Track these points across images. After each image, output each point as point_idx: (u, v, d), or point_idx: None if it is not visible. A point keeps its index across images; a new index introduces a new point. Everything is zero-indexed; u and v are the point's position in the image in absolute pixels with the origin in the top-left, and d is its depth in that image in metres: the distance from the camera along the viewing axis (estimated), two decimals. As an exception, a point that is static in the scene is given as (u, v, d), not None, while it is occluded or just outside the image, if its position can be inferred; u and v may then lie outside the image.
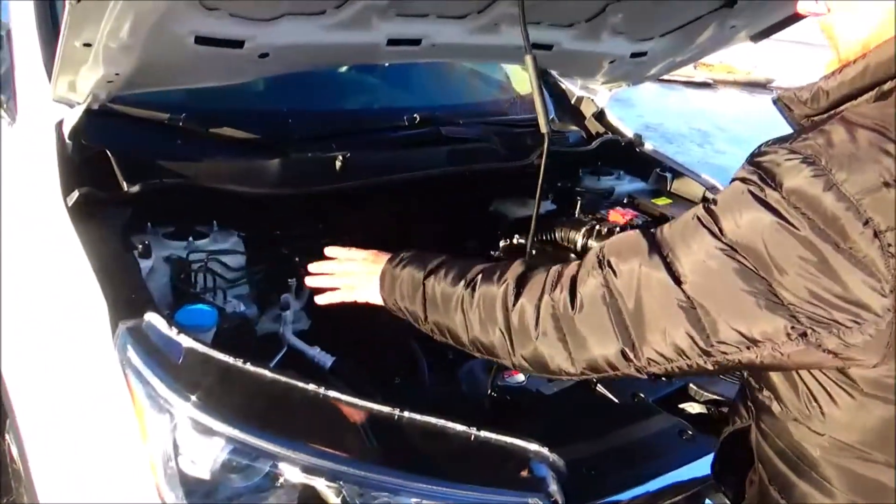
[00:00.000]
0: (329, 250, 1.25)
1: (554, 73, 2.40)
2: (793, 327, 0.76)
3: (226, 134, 1.71)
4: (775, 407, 0.89)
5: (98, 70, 1.31)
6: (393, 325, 1.15)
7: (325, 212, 1.75)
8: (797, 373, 0.84)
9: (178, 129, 1.66)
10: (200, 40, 1.35)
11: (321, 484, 1.05)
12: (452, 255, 1.10)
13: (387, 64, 2.22)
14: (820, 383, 0.83)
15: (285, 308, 1.53)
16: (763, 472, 0.96)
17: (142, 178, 1.46)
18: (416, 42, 1.66)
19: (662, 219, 1.97)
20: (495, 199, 2.06)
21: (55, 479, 1.31)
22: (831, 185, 0.73)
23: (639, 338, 0.85)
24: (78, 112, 1.43)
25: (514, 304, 0.95)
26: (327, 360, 1.44)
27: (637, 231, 0.91)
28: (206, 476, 1.05)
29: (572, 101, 2.49)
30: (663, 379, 1.10)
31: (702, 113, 10.58)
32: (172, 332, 1.12)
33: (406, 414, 1.10)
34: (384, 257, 1.16)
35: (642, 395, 1.52)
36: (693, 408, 1.57)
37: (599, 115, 2.44)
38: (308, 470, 1.04)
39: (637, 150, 2.34)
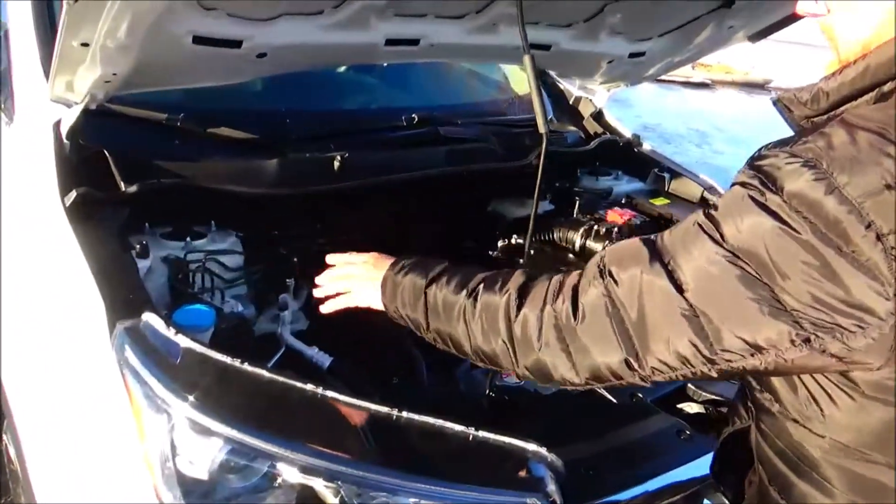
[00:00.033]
0: (329, 258, 1.25)
1: (552, 73, 2.40)
2: (797, 333, 0.76)
3: (224, 134, 1.70)
4: (775, 408, 0.89)
5: (96, 70, 1.31)
6: (391, 326, 1.15)
7: (323, 212, 1.75)
8: (797, 375, 0.84)
9: (175, 129, 1.66)
10: (198, 40, 1.35)
11: (319, 484, 1.04)
12: (454, 261, 1.09)
13: (385, 64, 2.22)
14: (820, 385, 0.82)
15: (283, 308, 1.53)
16: (763, 473, 0.96)
17: (140, 178, 1.46)
18: (415, 42, 1.66)
19: (661, 219, 1.98)
20: (494, 200, 2.06)
21: (53, 479, 1.30)
22: (833, 189, 0.73)
23: (642, 347, 0.85)
24: (75, 112, 1.43)
25: (516, 315, 0.95)
26: (325, 360, 1.44)
27: (637, 239, 0.90)
28: (204, 476, 1.05)
29: (570, 102, 2.49)
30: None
31: (700, 113, 10.59)
32: (170, 333, 1.12)
33: (404, 414, 1.10)
34: (385, 262, 1.15)
35: (640, 396, 1.52)
36: (691, 408, 1.57)
37: (598, 116, 2.44)
38: (306, 470, 1.04)
39: (635, 150, 2.34)
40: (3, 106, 1.71)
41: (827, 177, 0.73)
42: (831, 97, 0.82)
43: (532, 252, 1.72)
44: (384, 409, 1.10)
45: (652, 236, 0.89)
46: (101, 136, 1.52)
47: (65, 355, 1.29)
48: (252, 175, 1.64)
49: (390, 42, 1.62)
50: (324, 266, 1.26)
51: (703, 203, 2.11)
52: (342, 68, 2.28)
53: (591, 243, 1.78)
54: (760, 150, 0.82)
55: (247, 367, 1.09)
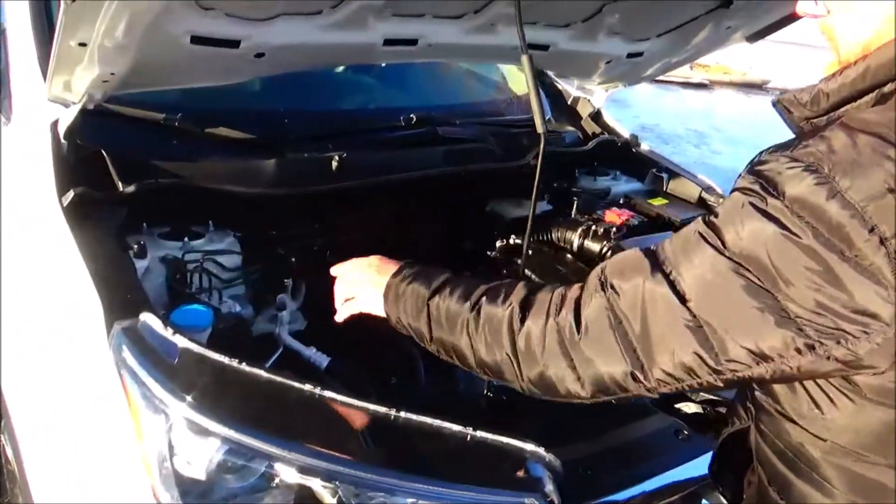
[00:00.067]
0: (334, 270, 1.24)
1: (550, 73, 2.40)
2: (802, 341, 0.75)
3: (222, 134, 1.70)
4: (775, 409, 0.89)
5: (93, 70, 1.31)
6: (389, 326, 1.15)
7: (321, 212, 1.75)
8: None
9: (173, 129, 1.66)
10: (196, 40, 1.35)
11: (317, 484, 1.04)
12: (456, 270, 1.09)
13: (383, 64, 2.22)
14: (821, 388, 0.82)
15: (281, 308, 1.53)
16: (762, 473, 0.95)
17: (137, 178, 1.46)
18: (413, 42, 1.65)
19: (659, 219, 1.98)
20: (492, 200, 2.06)
21: (50, 480, 1.30)
22: (835, 193, 0.72)
23: (647, 360, 0.84)
24: (73, 112, 1.42)
25: (520, 329, 0.94)
26: (323, 360, 1.44)
27: (637, 249, 0.90)
28: (202, 476, 1.04)
29: (569, 102, 2.49)
30: None
31: (698, 113, 10.61)
32: (168, 333, 1.12)
33: (402, 414, 1.10)
34: (389, 267, 1.15)
35: (638, 395, 1.52)
36: (689, 408, 1.57)
37: (596, 116, 2.44)
38: (304, 470, 1.04)
39: (633, 150, 2.34)
40: (0, 106, 1.70)
41: (829, 181, 0.73)
42: (831, 98, 0.82)
43: (530, 252, 1.72)
44: (382, 410, 1.10)
45: (652, 246, 0.89)
46: (98, 135, 1.52)
47: (62, 355, 1.29)
48: (250, 175, 1.64)
49: (388, 42, 1.61)
50: (322, 267, 1.26)
51: (702, 203, 2.11)
52: (340, 68, 2.28)
53: (589, 243, 1.78)
54: (760, 154, 0.81)
55: (244, 367, 1.09)
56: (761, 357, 0.78)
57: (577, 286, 0.93)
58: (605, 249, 1.75)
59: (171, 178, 1.54)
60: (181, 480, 1.05)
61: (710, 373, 0.81)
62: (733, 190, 0.82)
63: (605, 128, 2.42)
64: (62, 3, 1.12)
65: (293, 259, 1.62)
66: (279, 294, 1.55)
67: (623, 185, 2.24)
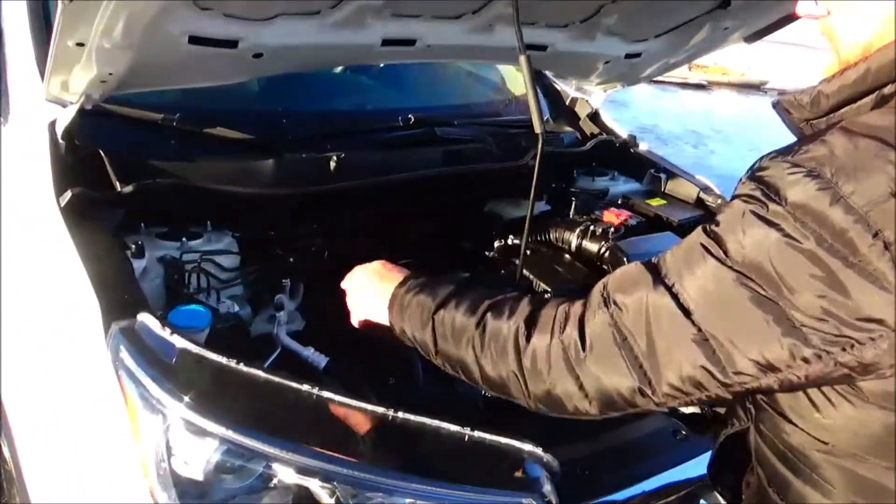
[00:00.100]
0: (343, 284, 1.24)
1: (548, 73, 2.40)
2: (809, 350, 0.75)
3: (220, 134, 1.70)
4: (775, 411, 0.89)
5: (91, 70, 1.31)
6: (387, 326, 1.15)
7: (319, 212, 1.75)
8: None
9: (171, 129, 1.66)
10: (194, 40, 1.35)
11: (315, 485, 1.04)
12: (461, 284, 1.08)
13: (382, 64, 2.22)
14: (821, 390, 0.82)
15: (279, 309, 1.53)
16: (762, 474, 0.95)
17: (135, 178, 1.46)
18: (411, 42, 1.65)
19: (657, 219, 1.98)
20: (490, 200, 2.07)
21: (47, 480, 1.30)
22: (838, 198, 0.72)
23: (654, 374, 0.84)
24: (71, 112, 1.42)
25: (525, 347, 0.93)
26: (321, 360, 1.43)
27: (638, 263, 0.89)
28: (200, 477, 1.04)
29: (567, 102, 2.49)
30: None
31: (696, 114, 10.63)
32: (165, 333, 1.12)
33: (400, 414, 1.10)
34: (394, 275, 1.14)
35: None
36: (687, 408, 1.57)
37: (594, 116, 2.44)
38: (302, 471, 1.04)
39: (631, 150, 2.35)
40: (-2, 106, 1.70)
41: (831, 186, 0.72)
42: (831, 99, 0.81)
43: (528, 252, 1.72)
44: (380, 410, 1.10)
45: (653, 259, 0.88)
46: (96, 136, 1.52)
47: (60, 356, 1.28)
48: (248, 175, 1.64)
49: (387, 42, 1.61)
50: (320, 267, 1.26)
51: (700, 203, 2.11)
52: (339, 69, 2.28)
53: (587, 243, 1.79)
54: (761, 160, 0.80)
55: (242, 367, 1.09)
56: (769, 368, 0.77)
57: (579, 303, 0.92)
58: (603, 250, 1.76)
59: (169, 178, 1.54)
60: (179, 481, 1.05)
61: (719, 386, 0.81)
62: (733, 197, 0.81)
63: (604, 128, 2.42)
64: (60, 2, 1.12)
65: (291, 259, 1.62)
66: (277, 294, 1.55)
67: (621, 186, 2.24)
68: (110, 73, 1.34)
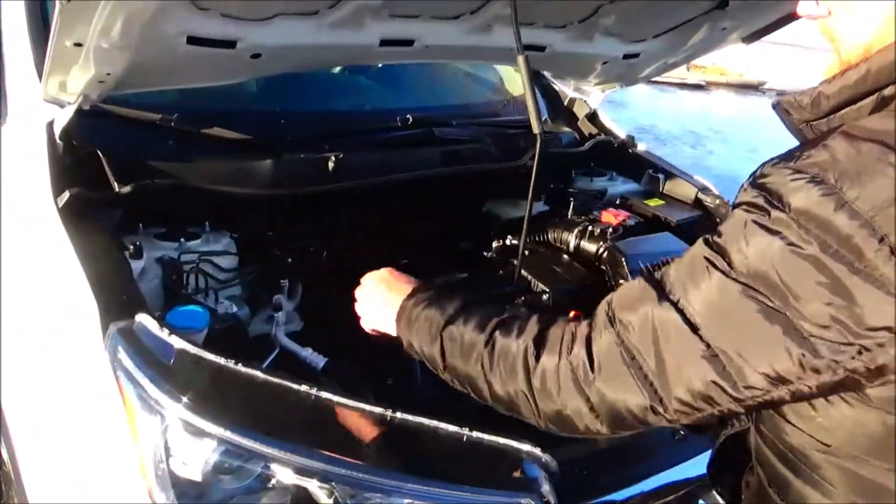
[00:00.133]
0: (356, 293, 1.24)
1: (547, 74, 2.40)
2: (818, 361, 0.74)
3: (218, 134, 1.70)
4: (775, 412, 0.88)
5: (89, 70, 1.31)
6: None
7: (317, 213, 1.75)
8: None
9: (169, 130, 1.66)
10: (192, 40, 1.35)
11: (313, 485, 1.04)
12: (469, 299, 1.07)
13: (380, 65, 2.22)
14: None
15: (277, 309, 1.53)
16: (762, 474, 0.95)
17: (133, 178, 1.45)
18: (409, 43, 1.66)
19: (655, 220, 1.98)
20: (488, 200, 2.07)
21: (46, 481, 1.30)
22: (843, 204, 0.71)
23: (665, 392, 0.83)
24: (69, 112, 1.42)
25: (535, 367, 0.93)
26: (320, 361, 1.43)
27: (641, 279, 0.88)
28: (198, 478, 1.04)
29: (565, 103, 2.49)
30: None
31: (694, 114, 10.64)
32: (164, 334, 1.12)
33: (399, 415, 1.10)
34: (402, 285, 1.14)
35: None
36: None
37: (592, 117, 2.44)
38: (300, 471, 1.04)
39: (630, 151, 2.35)
40: (-5, 106, 1.70)
41: (836, 191, 0.71)
42: (832, 101, 0.81)
43: (527, 253, 1.72)
44: (379, 410, 1.10)
45: (656, 274, 0.87)
46: (94, 136, 1.52)
47: (58, 357, 1.28)
48: (246, 176, 1.64)
49: (385, 43, 1.61)
50: (318, 268, 1.26)
51: (698, 204, 2.12)
52: (337, 69, 2.28)
53: (585, 244, 1.79)
54: (762, 166, 0.79)
55: (241, 368, 1.09)
56: (779, 380, 0.77)
57: (584, 323, 0.91)
58: (601, 250, 1.76)
59: (167, 178, 1.54)
60: (177, 481, 1.05)
61: (731, 401, 0.80)
62: (735, 206, 0.80)
63: (602, 129, 2.42)
64: (57, 3, 1.12)
65: (290, 260, 1.62)
66: (275, 295, 1.55)
67: (619, 186, 2.24)
68: (108, 74, 1.34)
